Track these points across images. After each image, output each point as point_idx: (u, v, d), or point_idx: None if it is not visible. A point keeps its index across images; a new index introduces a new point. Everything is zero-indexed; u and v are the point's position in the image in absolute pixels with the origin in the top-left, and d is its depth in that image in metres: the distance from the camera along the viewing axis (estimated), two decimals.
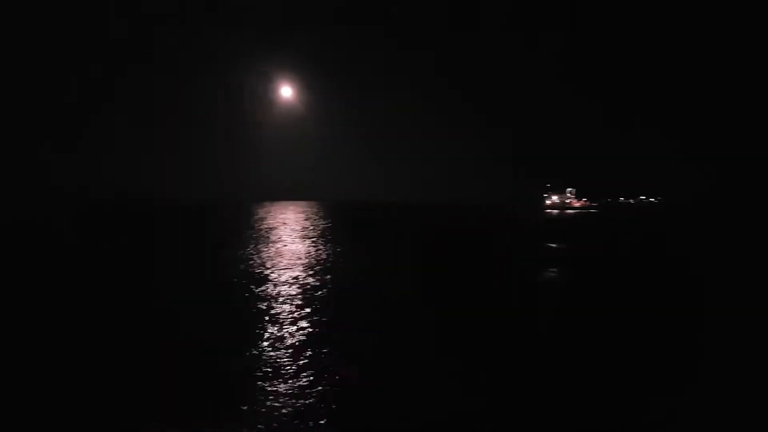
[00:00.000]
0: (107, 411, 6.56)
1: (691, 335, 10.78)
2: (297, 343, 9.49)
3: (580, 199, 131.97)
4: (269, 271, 18.12)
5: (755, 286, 16.25)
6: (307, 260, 21.17)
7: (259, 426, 6.18)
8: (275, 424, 6.21)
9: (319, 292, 14.40)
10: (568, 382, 7.97)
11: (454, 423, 6.50)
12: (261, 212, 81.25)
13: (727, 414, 6.89)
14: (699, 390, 7.69)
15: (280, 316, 11.49)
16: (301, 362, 8.43)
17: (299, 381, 7.61)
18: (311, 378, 7.72)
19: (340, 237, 35.32)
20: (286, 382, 7.54)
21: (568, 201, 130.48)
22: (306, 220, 58.52)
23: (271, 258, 21.65)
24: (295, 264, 19.96)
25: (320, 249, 25.77)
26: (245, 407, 6.67)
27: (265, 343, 9.43)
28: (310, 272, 17.97)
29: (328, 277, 17.20)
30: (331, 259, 21.72)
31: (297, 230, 40.11)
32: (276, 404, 6.77)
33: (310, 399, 6.97)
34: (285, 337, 9.86)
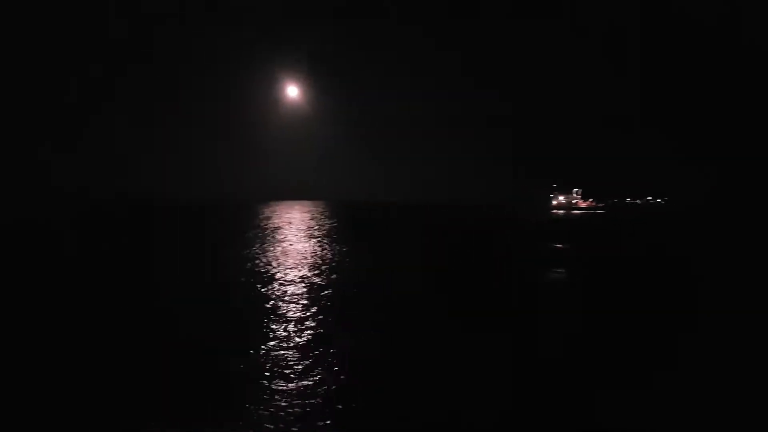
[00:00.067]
0: (107, 411, 6.57)
1: (700, 336, 10.62)
2: (302, 343, 9.52)
3: (587, 200, 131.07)
4: (275, 270, 18.16)
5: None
6: (312, 260, 21.21)
7: (268, 425, 6.16)
8: (281, 425, 6.19)
9: (325, 292, 14.39)
10: (571, 382, 7.92)
11: (454, 423, 6.44)
12: (266, 212, 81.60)
13: (731, 414, 6.82)
14: (705, 390, 7.58)
15: (286, 316, 11.50)
16: (307, 362, 8.49)
17: (304, 381, 7.61)
18: (317, 378, 7.73)
19: (345, 237, 35.36)
20: (290, 382, 7.54)
21: (574, 201, 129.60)
22: (311, 219, 58.68)
23: (276, 257, 21.71)
24: (300, 263, 19.98)
25: (325, 249, 25.82)
26: (252, 407, 6.69)
27: (271, 343, 9.46)
28: (316, 271, 18.01)
29: (334, 276, 17.22)
30: (336, 259, 21.74)
31: (303, 229, 40.21)
32: (281, 404, 6.87)
33: (315, 399, 7.00)
34: (290, 337, 9.85)
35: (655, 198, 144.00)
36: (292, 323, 10.91)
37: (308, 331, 10.31)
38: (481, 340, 10.11)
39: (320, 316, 11.58)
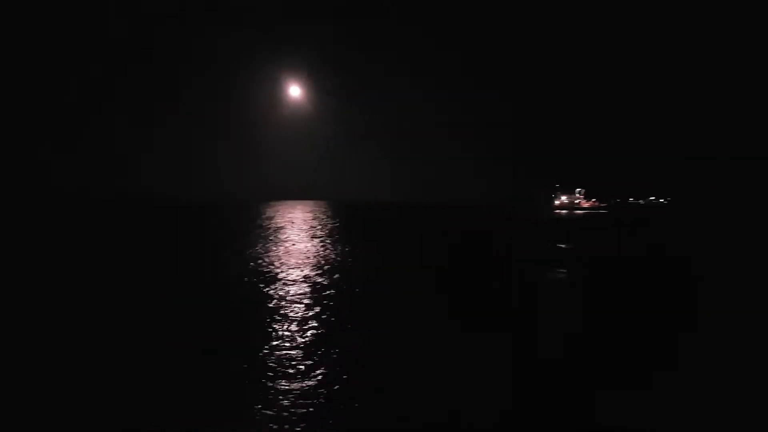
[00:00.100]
0: (107, 411, 6.60)
1: (700, 336, 10.59)
2: (305, 343, 9.55)
3: (590, 200, 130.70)
4: (278, 270, 18.19)
5: None
6: (315, 259, 21.22)
7: (272, 425, 6.17)
8: (286, 426, 6.21)
9: (327, 291, 14.41)
10: (571, 382, 7.92)
11: (454, 423, 6.45)
12: (268, 212, 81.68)
13: (732, 414, 6.82)
14: (705, 390, 7.57)
15: (289, 315, 11.52)
16: (310, 362, 8.51)
17: (307, 381, 7.63)
18: (319, 378, 7.75)
19: (349, 236, 35.40)
20: (293, 382, 7.55)
21: (577, 201, 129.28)
22: (314, 219, 58.72)
23: (279, 257, 21.75)
24: (303, 263, 20.01)
25: (328, 249, 25.83)
26: (253, 407, 6.70)
27: (274, 342, 9.46)
28: (318, 271, 18.01)
29: (336, 276, 17.21)
30: (339, 258, 21.75)
31: (305, 229, 40.26)
32: (284, 404, 6.91)
33: (317, 399, 7.04)
34: (294, 337, 9.87)
35: (657, 198, 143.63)
36: (294, 323, 10.94)
37: (310, 331, 10.35)
38: (481, 340, 10.12)
39: (323, 316, 11.61)
